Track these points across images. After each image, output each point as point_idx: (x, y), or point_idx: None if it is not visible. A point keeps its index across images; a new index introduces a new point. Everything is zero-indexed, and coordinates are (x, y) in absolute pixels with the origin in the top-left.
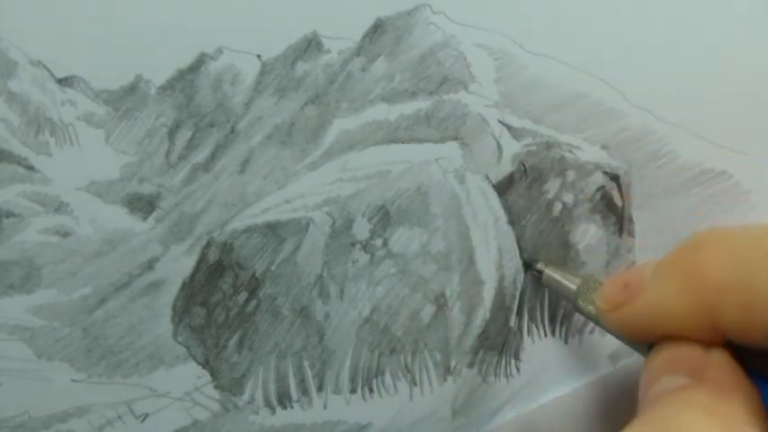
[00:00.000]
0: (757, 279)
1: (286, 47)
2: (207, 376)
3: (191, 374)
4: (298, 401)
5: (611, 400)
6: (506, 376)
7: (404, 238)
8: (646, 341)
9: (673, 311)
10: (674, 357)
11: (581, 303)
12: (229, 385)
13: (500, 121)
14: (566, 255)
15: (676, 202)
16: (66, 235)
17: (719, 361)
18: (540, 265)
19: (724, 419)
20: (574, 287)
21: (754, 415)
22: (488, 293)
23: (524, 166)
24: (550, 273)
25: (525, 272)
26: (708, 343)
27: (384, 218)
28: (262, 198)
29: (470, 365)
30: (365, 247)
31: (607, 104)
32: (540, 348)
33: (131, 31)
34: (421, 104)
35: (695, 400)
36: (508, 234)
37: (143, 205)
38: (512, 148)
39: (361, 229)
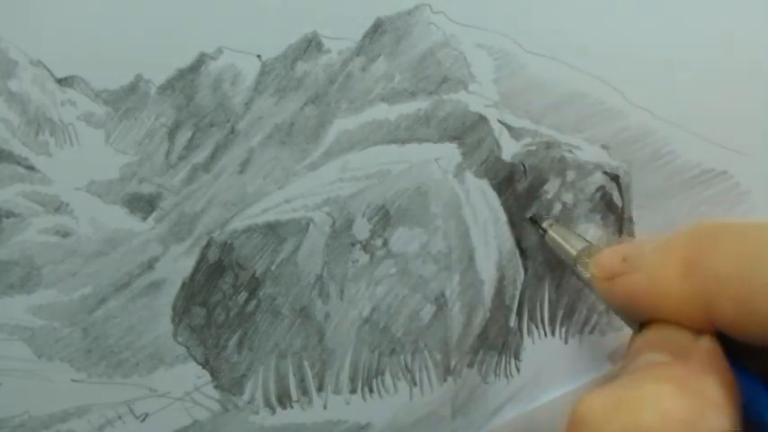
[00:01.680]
0: (759, 273)
1: (286, 47)
2: (207, 376)
3: (191, 374)
4: (298, 401)
5: None
6: (506, 376)
7: (404, 238)
8: (635, 318)
9: (668, 293)
10: (661, 337)
11: (579, 269)
12: (229, 385)
13: (500, 121)
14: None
15: (676, 202)
16: (66, 235)
17: (705, 347)
18: (545, 224)
19: (691, 396)
20: (574, 252)
21: (726, 403)
22: (488, 293)
23: (524, 165)
24: (554, 234)
25: (532, 225)
26: (697, 331)
27: (384, 218)
28: (262, 198)
29: (470, 365)
30: (365, 247)
31: (607, 104)
32: (540, 348)
33: (131, 31)
34: (421, 104)
35: (668, 375)
36: (508, 234)
37: (143, 205)
38: (511, 147)
39: (361, 229)
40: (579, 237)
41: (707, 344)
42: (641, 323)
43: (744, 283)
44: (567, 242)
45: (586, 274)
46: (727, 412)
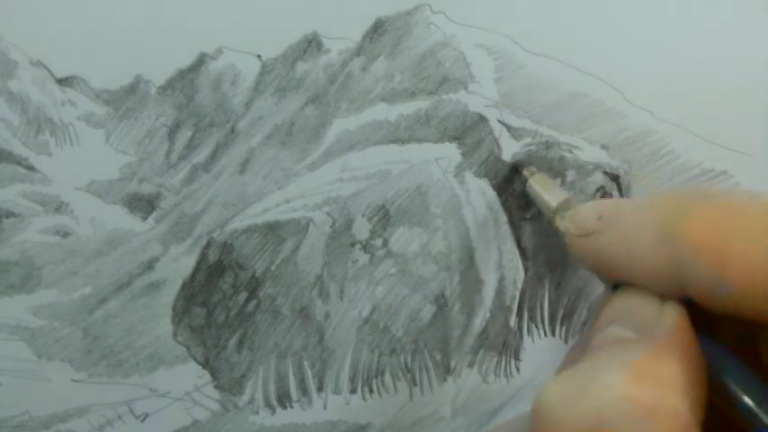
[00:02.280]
0: (733, 242)
1: (286, 47)
2: (207, 376)
3: (191, 374)
4: (298, 401)
5: None
6: (506, 376)
7: (404, 238)
8: (607, 278)
9: (641, 257)
10: (627, 307)
11: (558, 222)
12: (229, 385)
13: (500, 121)
14: (566, 255)
15: None
16: (66, 235)
17: (671, 318)
18: (526, 172)
19: (650, 381)
20: (554, 204)
21: (692, 382)
22: (488, 293)
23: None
24: (534, 183)
25: (512, 176)
26: (667, 297)
27: (384, 218)
28: (262, 198)
29: (470, 365)
30: (365, 247)
31: (607, 104)
32: (540, 348)
33: (131, 31)
34: (421, 104)
35: (628, 358)
36: (508, 234)
37: (143, 205)
38: (511, 147)
39: (361, 229)
40: (562, 189)
41: (672, 315)
42: (615, 284)
43: (717, 249)
44: (548, 193)
45: (563, 228)
46: (690, 393)
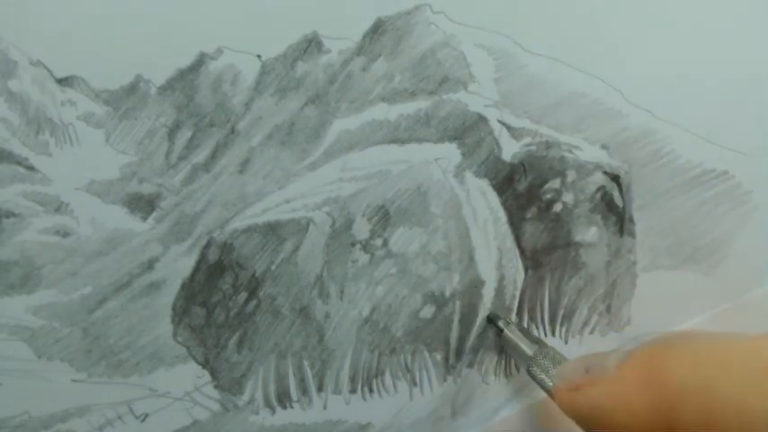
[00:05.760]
0: (718, 386)
1: (286, 47)
2: (207, 376)
3: (191, 374)
4: (298, 401)
5: None
6: (506, 376)
7: (404, 238)
8: (597, 429)
9: (630, 406)
10: None
11: (534, 370)
12: (229, 385)
13: (500, 121)
14: (566, 255)
15: (677, 203)
16: (66, 235)
17: None
18: (501, 323)
19: None
20: (530, 352)
21: None
22: (488, 293)
23: (524, 165)
24: (510, 333)
25: (487, 324)
26: None
27: (384, 218)
28: (262, 198)
29: (470, 365)
30: (365, 247)
31: (607, 104)
32: None
33: (131, 31)
34: (421, 104)
35: None
36: (508, 234)
37: (143, 205)
38: (511, 147)
39: (361, 229)
40: (530, 337)
41: None
42: None
43: (702, 396)
44: (523, 342)
45: (540, 376)
46: None
